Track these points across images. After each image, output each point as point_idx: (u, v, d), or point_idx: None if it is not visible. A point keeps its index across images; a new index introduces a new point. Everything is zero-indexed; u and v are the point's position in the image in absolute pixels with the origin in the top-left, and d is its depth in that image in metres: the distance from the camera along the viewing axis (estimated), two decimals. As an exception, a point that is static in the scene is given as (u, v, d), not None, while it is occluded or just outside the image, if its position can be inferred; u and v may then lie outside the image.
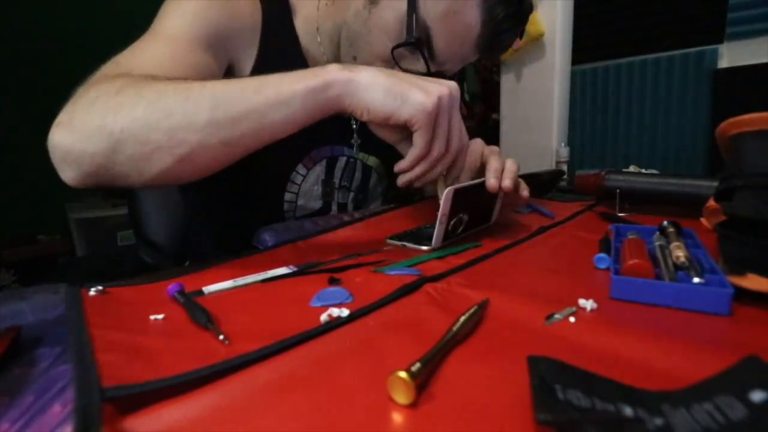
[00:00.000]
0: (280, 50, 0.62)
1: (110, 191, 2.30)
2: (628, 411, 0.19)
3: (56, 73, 2.25)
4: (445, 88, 0.44)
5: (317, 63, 0.64)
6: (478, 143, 0.54)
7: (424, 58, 0.55)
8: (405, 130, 0.46)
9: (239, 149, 0.41)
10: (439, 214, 0.47)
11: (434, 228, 0.48)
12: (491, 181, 0.51)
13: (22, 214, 2.19)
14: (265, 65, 0.59)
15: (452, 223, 0.49)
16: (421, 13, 0.53)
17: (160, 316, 0.31)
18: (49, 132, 0.40)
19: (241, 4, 0.58)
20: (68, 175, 0.41)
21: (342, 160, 0.70)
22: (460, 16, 0.54)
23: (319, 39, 0.65)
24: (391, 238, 0.52)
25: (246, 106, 0.39)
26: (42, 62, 2.21)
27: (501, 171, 0.52)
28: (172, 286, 0.35)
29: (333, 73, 0.41)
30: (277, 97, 0.39)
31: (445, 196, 0.46)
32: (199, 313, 0.30)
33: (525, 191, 0.56)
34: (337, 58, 0.64)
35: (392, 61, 0.56)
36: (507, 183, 0.51)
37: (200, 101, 0.39)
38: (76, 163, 0.39)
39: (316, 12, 0.65)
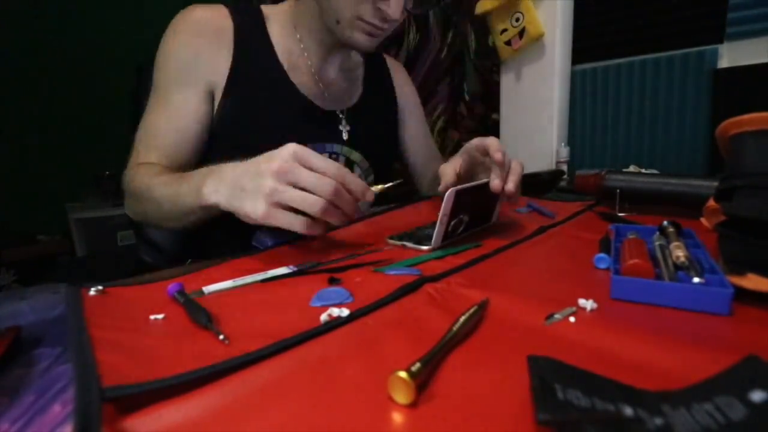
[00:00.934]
0: (253, 63, 0.67)
1: (110, 191, 2.30)
2: (628, 411, 0.19)
3: (56, 74, 2.26)
4: (271, 172, 0.43)
5: (297, 58, 0.71)
6: (494, 140, 0.55)
7: None
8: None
9: (189, 224, 0.57)
10: (440, 214, 0.47)
11: (434, 228, 0.48)
12: (495, 182, 0.51)
13: (22, 214, 2.19)
14: (238, 80, 0.66)
15: (452, 223, 0.49)
16: None
17: (160, 316, 0.31)
18: None
19: (207, 35, 0.65)
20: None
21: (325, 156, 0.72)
22: None
23: (298, 36, 0.71)
24: (391, 237, 0.53)
25: (174, 212, 0.55)
26: (42, 63, 2.21)
27: (506, 172, 0.52)
28: (172, 286, 0.35)
29: (212, 195, 0.48)
30: (183, 209, 0.53)
31: (446, 197, 0.46)
32: (199, 313, 0.30)
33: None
34: (323, 44, 0.70)
35: None
36: (510, 187, 0.52)
37: (157, 208, 0.58)
38: (139, 222, 0.69)
39: (289, 14, 0.71)
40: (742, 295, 0.30)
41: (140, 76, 0.85)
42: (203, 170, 0.52)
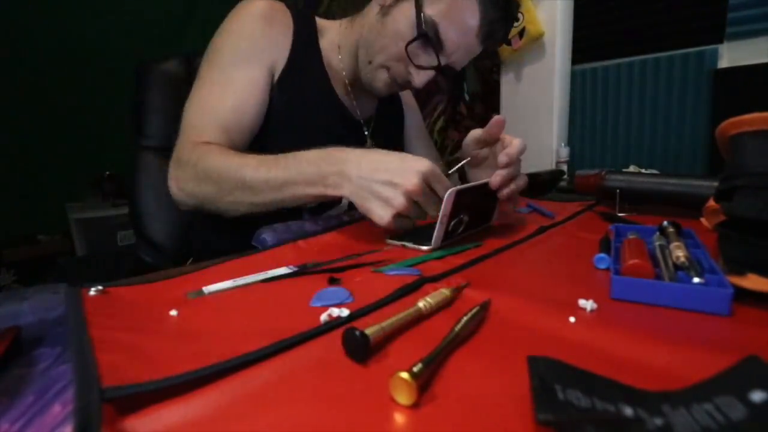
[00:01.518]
0: (305, 63, 0.71)
1: (110, 191, 2.30)
2: (628, 411, 0.19)
3: (56, 74, 2.26)
4: (404, 191, 0.47)
5: (336, 72, 0.76)
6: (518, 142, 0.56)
7: (434, 49, 0.64)
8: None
9: (277, 208, 0.57)
10: (440, 214, 0.47)
11: (434, 228, 0.48)
12: (495, 179, 0.52)
13: (22, 214, 2.18)
14: (291, 74, 0.69)
15: (452, 223, 0.49)
16: (428, 12, 0.63)
17: (160, 316, 0.31)
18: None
19: (275, 25, 0.68)
20: (179, 204, 0.63)
21: None
22: (460, 12, 0.64)
23: (339, 54, 0.76)
24: (391, 237, 0.53)
25: (273, 198, 0.55)
26: (42, 63, 2.21)
27: (510, 175, 0.53)
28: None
29: (336, 189, 0.52)
30: (293, 196, 0.54)
31: (447, 197, 0.46)
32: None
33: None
34: (353, 67, 0.75)
35: (406, 59, 0.65)
36: (505, 193, 0.54)
37: (245, 191, 0.55)
38: (183, 204, 0.62)
39: (338, 33, 0.76)
40: (742, 295, 0.30)
41: (140, 76, 0.85)
42: (307, 155, 0.53)
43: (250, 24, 0.66)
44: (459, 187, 0.47)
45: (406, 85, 0.70)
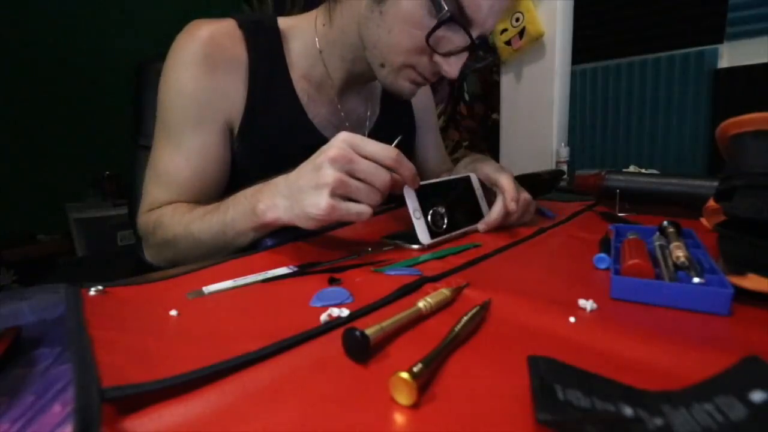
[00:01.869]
0: (269, 89, 0.62)
1: (110, 191, 2.30)
2: (628, 411, 0.19)
3: (56, 74, 2.26)
4: (328, 160, 0.41)
5: (320, 85, 0.65)
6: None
7: (464, 28, 0.51)
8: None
9: (236, 250, 0.52)
10: (411, 210, 0.48)
11: (423, 227, 0.48)
12: (481, 227, 0.55)
13: (22, 214, 2.19)
14: (251, 119, 0.61)
15: (430, 216, 0.49)
16: None
17: (160, 316, 0.31)
18: None
19: (220, 67, 0.58)
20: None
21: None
22: None
23: (323, 60, 0.64)
24: (387, 237, 0.53)
25: (223, 244, 0.51)
26: (42, 63, 2.21)
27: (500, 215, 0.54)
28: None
29: (269, 212, 0.46)
30: (237, 236, 0.50)
31: (405, 193, 0.47)
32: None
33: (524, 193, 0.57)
34: (351, 74, 0.64)
35: (427, 49, 0.53)
36: (482, 228, 0.54)
37: (197, 245, 0.53)
38: (157, 264, 0.60)
39: (311, 34, 0.63)
40: (742, 295, 0.30)
41: (140, 76, 0.85)
42: (247, 191, 0.49)
43: (195, 76, 0.57)
44: (420, 183, 0.48)
45: (437, 77, 0.58)
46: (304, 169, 0.44)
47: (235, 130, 0.61)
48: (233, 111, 0.60)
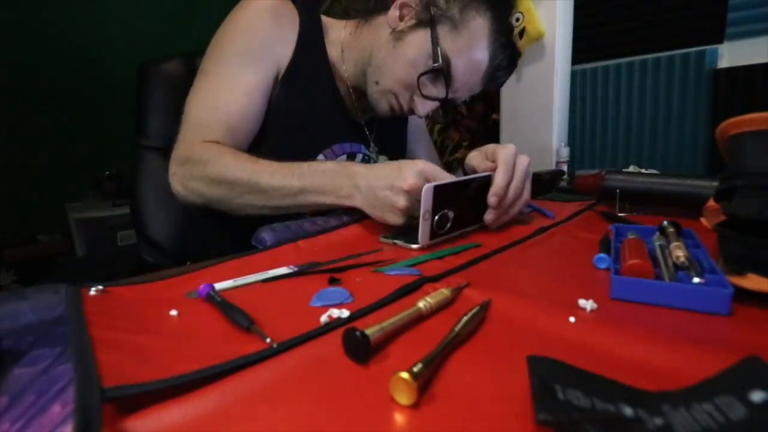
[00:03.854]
0: (310, 60, 0.71)
1: (110, 191, 2.30)
2: (628, 411, 0.19)
3: (56, 74, 2.26)
4: (403, 191, 0.50)
5: (340, 77, 0.76)
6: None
7: (444, 83, 0.66)
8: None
9: (285, 212, 0.60)
10: (422, 210, 0.47)
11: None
12: (488, 218, 0.55)
13: (22, 214, 2.19)
14: (295, 72, 0.69)
15: (436, 219, 0.49)
16: (444, 46, 0.64)
17: (160, 316, 0.31)
18: (169, 156, 0.64)
19: (280, 19, 0.68)
20: (182, 200, 0.63)
21: (359, 157, 0.78)
22: (473, 53, 0.65)
23: (343, 61, 0.75)
24: (385, 236, 0.53)
25: (286, 204, 0.58)
26: (42, 64, 2.21)
27: (501, 212, 0.56)
28: (203, 287, 0.35)
29: (348, 199, 0.55)
30: (306, 204, 0.57)
31: (424, 192, 0.46)
32: (240, 315, 0.30)
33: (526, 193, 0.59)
34: (358, 79, 0.74)
35: (415, 87, 0.66)
36: (489, 218, 0.55)
37: (258, 195, 0.58)
38: (186, 201, 0.63)
39: (341, 38, 0.75)
40: (742, 295, 0.30)
41: (142, 78, 0.85)
42: (324, 167, 0.56)
43: (257, 21, 0.66)
44: (436, 183, 0.47)
45: (409, 112, 0.72)
46: (381, 183, 0.51)
47: (280, 75, 0.69)
48: (284, 58, 0.68)
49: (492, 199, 0.54)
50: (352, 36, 0.75)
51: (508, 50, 0.67)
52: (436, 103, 0.68)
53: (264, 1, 0.67)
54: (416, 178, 0.50)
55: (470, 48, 0.65)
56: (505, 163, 0.55)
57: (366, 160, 0.79)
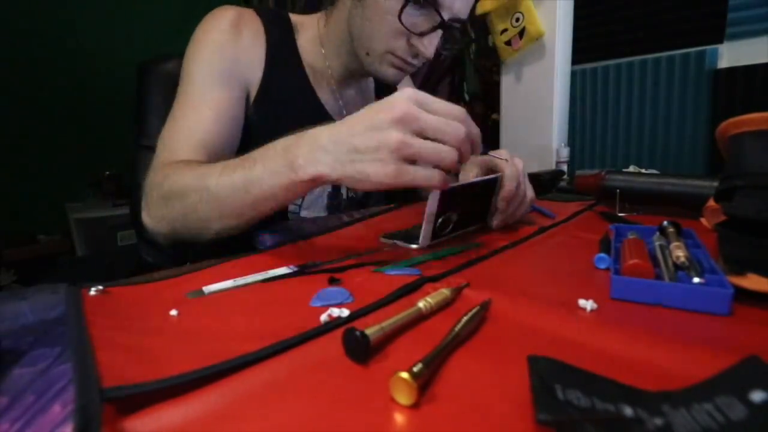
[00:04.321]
0: (284, 74, 0.68)
1: (110, 191, 2.30)
2: (628, 411, 0.19)
3: (56, 74, 2.26)
4: (393, 120, 0.37)
5: (322, 75, 0.72)
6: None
7: (432, 6, 0.58)
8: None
9: (251, 219, 0.49)
10: (427, 213, 0.47)
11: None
12: (496, 222, 0.55)
13: (22, 214, 2.19)
14: (267, 88, 0.66)
15: (439, 222, 0.49)
16: None
17: (160, 316, 0.31)
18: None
19: (245, 37, 0.65)
20: (156, 238, 0.56)
21: None
22: None
23: (325, 58, 0.71)
24: (385, 236, 0.53)
25: (241, 203, 0.46)
26: (42, 63, 2.21)
27: (509, 215, 0.55)
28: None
29: (309, 167, 0.41)
30: (262, 195, 0.44)
31: (432, 195, 0.46)
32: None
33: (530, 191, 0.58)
34: (347, 69, 0.71)
35: (404, 31, 0.59)
36: (496, 222, 0.55)
37: (211, 204, 0.47)
38: (155, 232, 0.55)
39: (315, 30, 0.72)
40: (742, 295, 0.30)
41: (142, 77, 0.85)
42: (277, 144, 0.44)
43: (224, 41, 0.63)
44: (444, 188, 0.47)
45: (416, 61, 0.64)
46: (357, 126, 0.39)
47: (252, 97, 0.66)
48: (253, 78, 0.65)
49: (502, 203, 0.53)
50: (327, 27, 0.71)
51: None
52: (438, 34, 0.61)
53: (225, 15, 0.64)
54: (407, 102, 0.38)
55: None
56: (513, 166, 0.54)
57: None
